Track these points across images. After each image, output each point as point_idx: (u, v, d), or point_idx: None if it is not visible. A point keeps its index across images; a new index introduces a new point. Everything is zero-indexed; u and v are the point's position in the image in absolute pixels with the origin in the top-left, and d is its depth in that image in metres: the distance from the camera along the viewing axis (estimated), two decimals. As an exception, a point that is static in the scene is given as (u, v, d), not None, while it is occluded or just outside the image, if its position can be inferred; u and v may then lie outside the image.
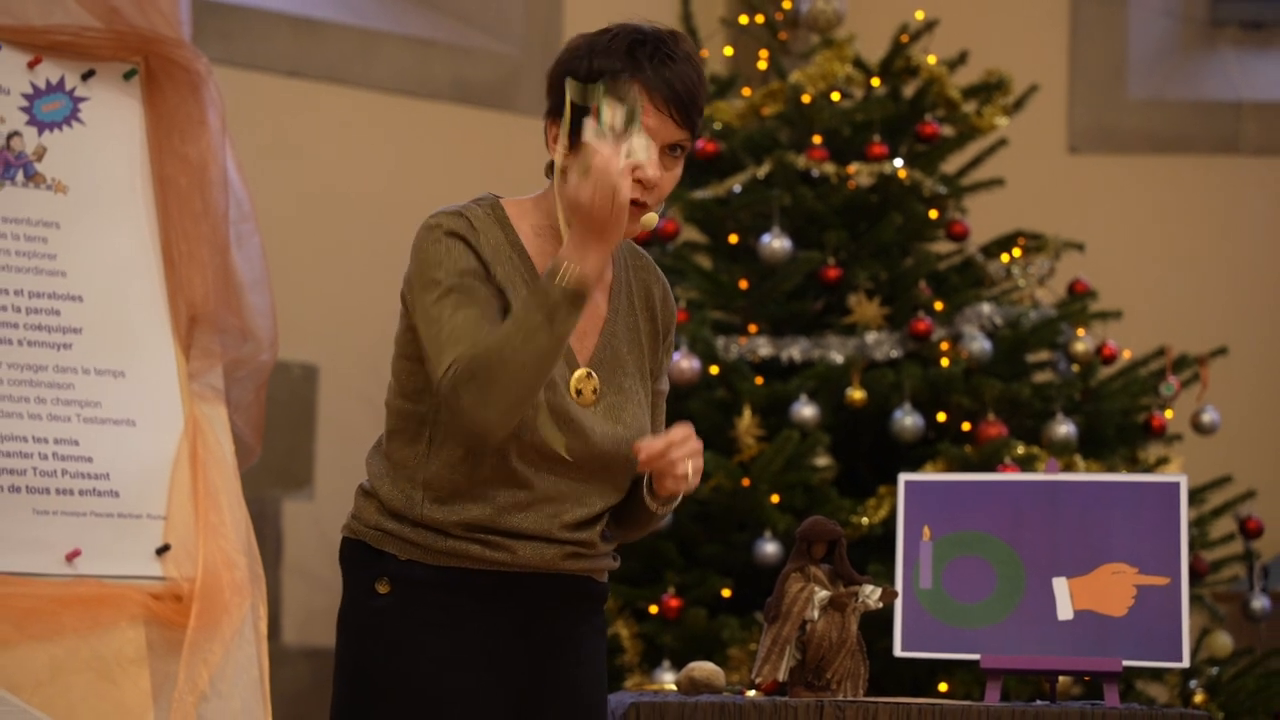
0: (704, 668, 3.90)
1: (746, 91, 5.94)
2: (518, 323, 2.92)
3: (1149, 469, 5.61)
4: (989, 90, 5.94)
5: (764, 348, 5.57)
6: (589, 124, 2.94)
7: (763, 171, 5.69)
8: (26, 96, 4.15)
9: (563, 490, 3.08)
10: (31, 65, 4.17)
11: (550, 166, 3.15)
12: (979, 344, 5.50)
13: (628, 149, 2.93)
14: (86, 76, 4.22)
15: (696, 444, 3.05)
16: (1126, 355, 5.86)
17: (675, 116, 3.05)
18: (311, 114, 6.25)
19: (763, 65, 6.11)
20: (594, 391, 3.07)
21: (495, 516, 3.05)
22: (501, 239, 3.09)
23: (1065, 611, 3.92)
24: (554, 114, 3.11)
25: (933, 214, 5.79)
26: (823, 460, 5.39)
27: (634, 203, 3.01)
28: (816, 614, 3.72)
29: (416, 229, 3.11)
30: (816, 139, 5.74)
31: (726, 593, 5.32)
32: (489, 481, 3.04)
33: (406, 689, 3.05)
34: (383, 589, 3.08)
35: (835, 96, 5.82)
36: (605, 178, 2.89)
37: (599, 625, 3.24)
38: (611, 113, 2.93)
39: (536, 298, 2.92)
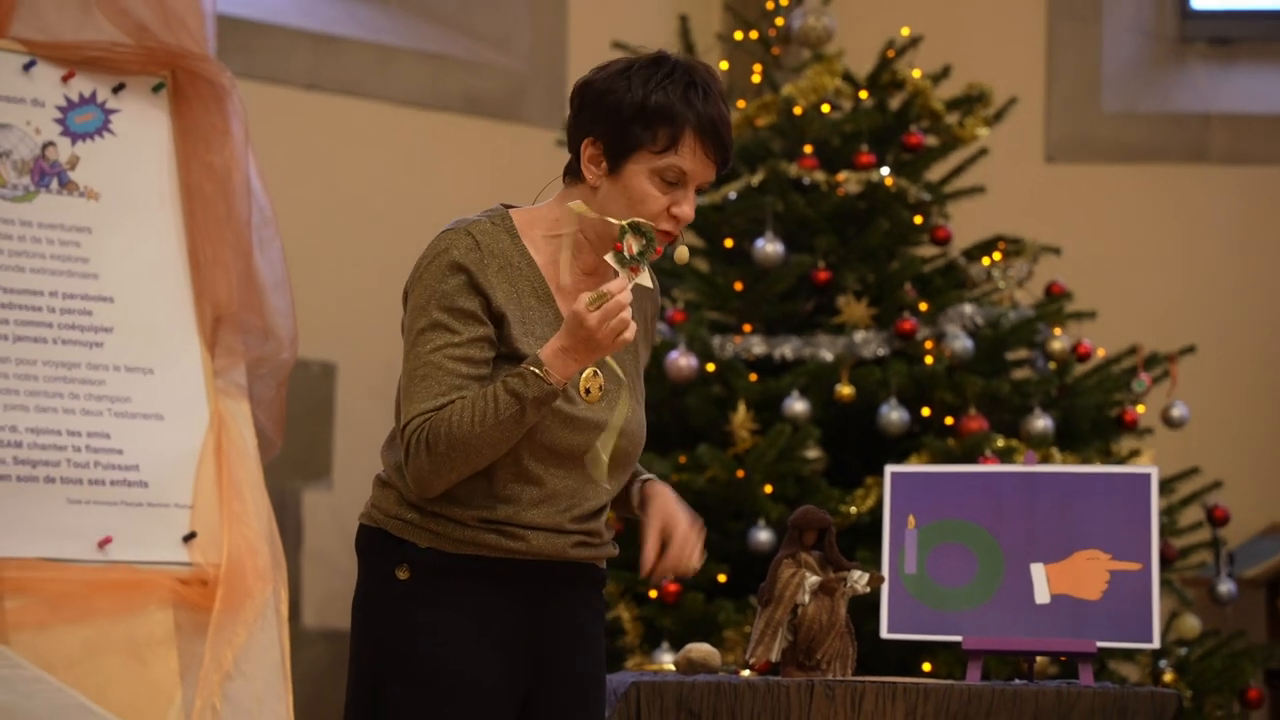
0: (701, 649, 3.90)
1: (741, 103, 5.94)
2: (489, 407, 2.96)
3: (1122, 461, 5.61)
4: (970, 102, 5.94)
5: (758, 346, 5.56)
6: (609, 254, 2.99)
7: (756, 179, 5.68)
8: (60, 109, 4.16)
9: (572, 486, 3.09)
10: (65, 79, 4.17)
11: (571, 170, 3.13)
12: (961, 343, 5.50)
13: (639, 278, 2.98)
14: (117, 89, 4.22)
15: (701, 532, 3.14)
16: (1100, 353, 5.86)
17: (716, 160, 3.07)
18: (330, 125, 6.25)
19: (756, 79, 6.11)
20: (600, 388, 3.08)
21: (511, 513, 3.05)
22: (509, 247, 3.08)
23: (1042, 595, 3.92)
24: (589, 130, 3.08)
25: (917, 220, 5.79)
26: (813, 453, 5.39)
27: (663, 233, 3.05)
28: (807, 598, 3.73)
29: (430, 234, 3.11)
30: (807, 148, 5.74)
31: (722, 578, 5.32)
32: (503, 481, 3.04)
33: (425, 670, 3.05)
34: (403, 575, 3.07)
35: (825, 108, 5.82)
36: (617, 312, 2.93)
37: (600, 608, 3.25)
38: (631, 245, 2.97)
39: (513, 392, 2.95)
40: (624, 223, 2.99)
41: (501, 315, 3.04)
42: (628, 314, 2.94)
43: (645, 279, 3.00)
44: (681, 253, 3.11)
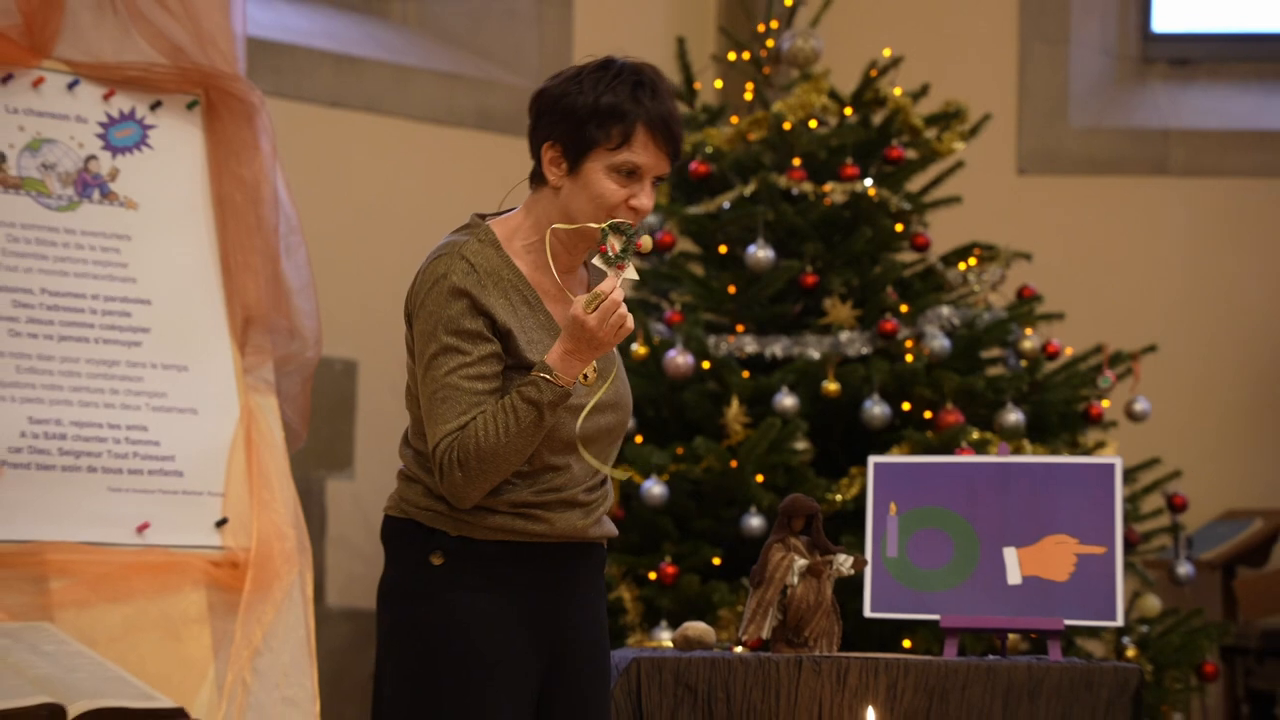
0: (697, 627, 3.90)
1: (734, 120, 5.94)
2: (510, 418, 2.97)
3: (1088, 452, 5.61)
4: (948, 118, 5.94)
5: (750, 345, 5.56)
6: (596, 258, 2.99)
7: (749, 190, 5.68)
8: (102, 125, 4.16)
9: (587, 468, 3.12)
10: (106, 97, 4.17)
11: (536, 176, 3.13)
12: (939, 342, 5.50)
13: (626, 274, 2.99)
14: (154, 107, 4.22)
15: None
16: (1068, 352, 5.86)
17: (668, 152, 3.07)
18: (352, 140, 6.26)
19: (749, 96, 6.11)
20: (594, 370, 3.09)
21: (535, 497, 3.07)
22: (498, 262, 3.09)
23: (1014, 577, 3.92)
24: (548, 135, 3.09)
25: (898, 228, 5.79)
26: (801, 444, 5.39)
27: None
28: (796, 580, 3.73)
29: (436, 245, 3.11)
30: (796, 161, 5.74)
31: (717, 561, 5.32)
32: (526, 475, 3.05)
33: (466, 649, 3.04)
34: (437, 561, 3.07)
35: (813, 124, 5.82)
36: (614, 310, 2.95)
37: (602, 588, 3.27)
38: (614, 245, 2.97)
39: (529, 400, 2.97)
40: (604, 226, 2.99)
41: (506, 330, 3.04)
42: (624, 309, 2.95)
43: (631, 272, 3.00)
44: (645, 241, 3.10)
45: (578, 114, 3.04)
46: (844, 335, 5.55)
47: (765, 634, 3.75)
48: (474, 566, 3.07)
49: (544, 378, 2.96)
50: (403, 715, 3.06)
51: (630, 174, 3.05)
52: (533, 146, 3.12)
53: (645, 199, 3.06)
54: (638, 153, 3.04)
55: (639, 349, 5.47)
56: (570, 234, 3.06)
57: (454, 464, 2.98)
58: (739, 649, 3.83)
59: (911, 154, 5.91)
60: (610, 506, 3.21)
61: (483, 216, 3.17)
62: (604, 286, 2.95)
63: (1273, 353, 6.90)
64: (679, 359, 5.41)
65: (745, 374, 5.49)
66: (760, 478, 5.31)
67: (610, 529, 3.20)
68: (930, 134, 5.92)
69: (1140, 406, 5.77)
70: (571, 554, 3.14)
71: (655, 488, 5.26)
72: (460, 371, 3.01)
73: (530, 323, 3.07)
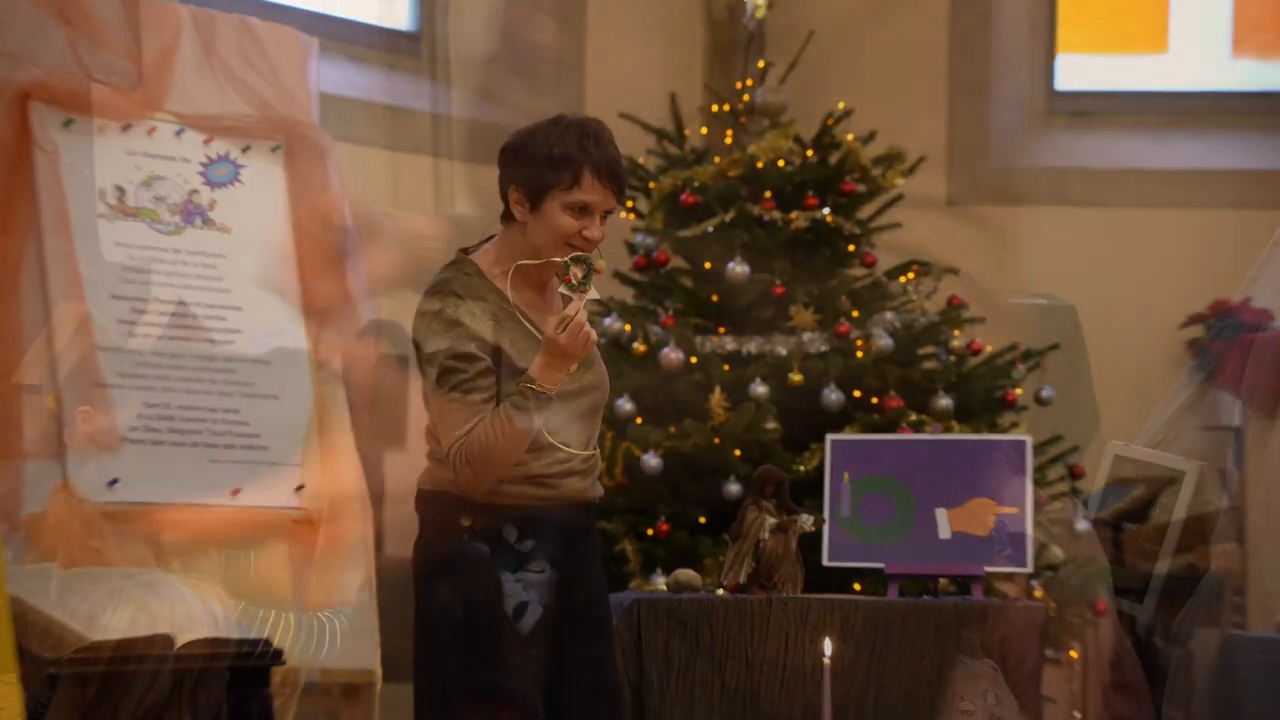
0: (686, 573, 3.92)
1: (717, 160, 5.93)
2: (505, 422, 2.98)
3: (1005, 431, 5.61)
4: (890, 159, 5.93)
5: (730, 344, 5.56)
6: (562, 287, 2.99)
7: (729, 217, 5.67)
8: (202, 165, 4.17)
9: (582, 440, 3.12)
10: (206, 142, 4.19)
11: (506, 215, 3.13)
12: (884, 341, 5.50)
13: (588, 296, 2.99)
14: (245, 150, 4.24)
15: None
16: (989, 349, 5.86)
17: (613, 190, 3.07)
18: (404, 177, 6.25)
19: (729, 141, 6.10)
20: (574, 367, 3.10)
21: (544, 469, 3.07)
22: (482, 288, 3.10)
23: (945, 532, 3.94)
24: (512, 180, 3.09)
25: (851, 248, 5.79)
26: (771, 425, 5.39)
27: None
28: (767, 535, 3.74)
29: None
30: (767, 194, 5.73)
31: (703, 520, 5.32)
32: (535, 449, 3.06)
33: (494, 593, 3.04)
34: (467, 522, 3.08)
35: (781, 163, 5.81)
36: (579, 329, 2.96)
37: (596, 538, 3.28)
38: (576, 274, 2.97)
39: (519, 406, 2.98)
40: (566, 259, 3.00)
41: (496, 347, 3.06)
42: (587, 327, 2.95)
43: (593, 293, 3.01)
44: (600, 264, 3.11)
45: (536, 162, 3.05)
46: (806, 336, 5.55)
47: (742, 579, 3.76)
48: (499, 527, 3.07)
49: (530, 387, 2.98)
50: (450, 660, 3.05)
51: (582, 210, 3.05)
52: (501, 190, 3.14)
53: (596, 230, 3.06)
54: (586, 192, 3.05)
55: (639, 347, 5.48)
56: (539, 263, 3.08)
57: (464, 464, 3.00)
58: (721, 591, 3.84)
59: (861, 188, 5.90)
60: (600, 472, 3.22)
61: (465, 251, 3.19)
62: (570, 310, 2.97)
63: (1151, 353, 6.90)
64: (672, 355, 5.42)
65: (726, 367, 5.49)
66: (738, 452, 5.31)
67: (600, 491, 3.21)
68: (876, 172, 5.91)
69: (1046, 394, 5.78)
70: (575, 512, 3.15)
71: (652, 460, 5.27)
72: (461, 387, 3.02)
73: (516, 334, 3.09)
